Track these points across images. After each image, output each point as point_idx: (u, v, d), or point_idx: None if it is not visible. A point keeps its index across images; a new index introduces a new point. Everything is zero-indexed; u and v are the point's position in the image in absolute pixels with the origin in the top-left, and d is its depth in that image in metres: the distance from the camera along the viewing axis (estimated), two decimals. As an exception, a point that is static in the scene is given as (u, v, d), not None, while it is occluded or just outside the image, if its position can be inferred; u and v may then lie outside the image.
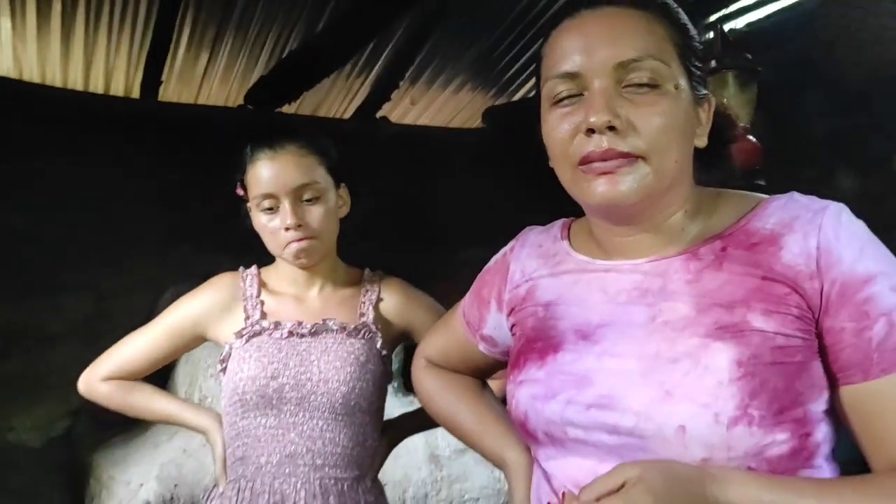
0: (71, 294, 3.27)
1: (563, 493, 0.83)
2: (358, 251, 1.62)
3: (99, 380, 1.54)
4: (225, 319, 1.50)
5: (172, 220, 3.51)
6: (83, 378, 1.56)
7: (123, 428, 2.94)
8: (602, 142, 0.83)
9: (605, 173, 0.84)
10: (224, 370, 1.48)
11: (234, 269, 1.64)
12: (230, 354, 1.46)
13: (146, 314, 3.16)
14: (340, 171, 1.52)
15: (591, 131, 0.84)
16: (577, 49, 0.87)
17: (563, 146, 0.88)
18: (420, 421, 1.57)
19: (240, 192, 1.52)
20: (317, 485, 1.41)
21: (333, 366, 1.43)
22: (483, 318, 1.12)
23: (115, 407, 1.56)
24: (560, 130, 0.88)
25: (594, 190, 0.85)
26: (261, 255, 1.63)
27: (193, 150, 3.50)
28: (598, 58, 0.85)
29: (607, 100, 0.84)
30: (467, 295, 1.19)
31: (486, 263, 1.17)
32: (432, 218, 3.96)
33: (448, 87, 4.44)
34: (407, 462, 1.67)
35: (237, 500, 1.42)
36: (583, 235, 1.00)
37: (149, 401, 1.56)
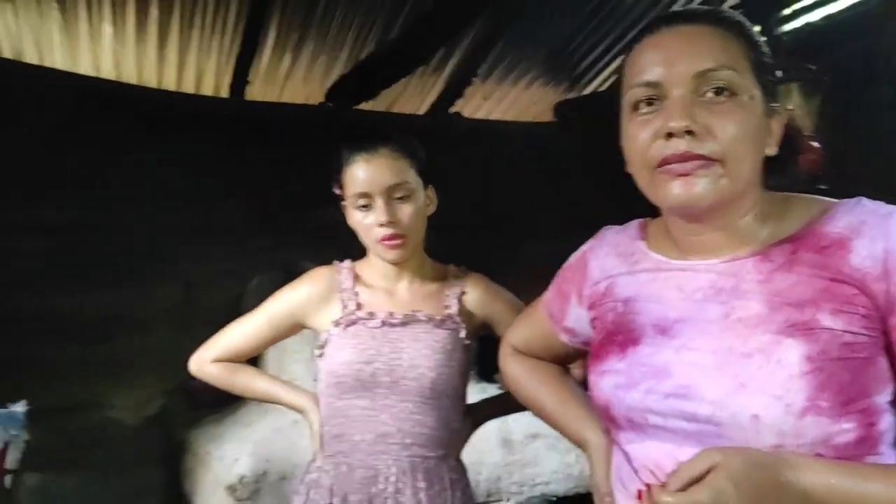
0: (162, 283, 3.50)
1: (647, 485, 0.89)
2: (431, 244, 1.72)
3: (208, 361, 1.68)
4: (322, 309, 1.63)
5: (255, 213, 3.70)
6: (194, 359, 1.70)
7: (215, 408, 3.15)
8: (680, 145, 0.91)
9: (682, 175, 0.91)
10: (322, 355, 1.61)
11: (312, 260, 1.77)
12: (328, 341, 1.59)
13: (230, 303, 3.38)
14: (428, 172, 1.63)
15: (670, 135, 0.91)
16: (658, 61, 0.95)
17: (642, 150, 0.95)
18: (500, 406, 1.69)
19: (336, 190, 1.64)
20: (406, 462, 1.53)
21: (422, 353, 1.54)
22: (564, 311, 1.21)
23: (222, 385, 1.71)
24: (640, 136, 0.95)
25: (671, 191, 0.93)
26: (337, 249, 1.76)
27: (276, 146, 3.69)
28: (677, 68, 0.93)
29: (686, 106, 0.91)
30: (549, 289, 1.27)
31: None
32: (503, 211, 4.06)
33: (520, 82, 4.51)
34: (481, 446, 1.77)
35: (335, 473, 1.55)
36: (659, 236, 1.08)
37: (252, 381, 1.71)
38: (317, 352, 1.63)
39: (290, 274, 3.12)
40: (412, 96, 4.43)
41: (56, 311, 3.26)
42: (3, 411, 2.43)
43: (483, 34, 3.94)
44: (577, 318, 1.18)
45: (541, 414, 1.27)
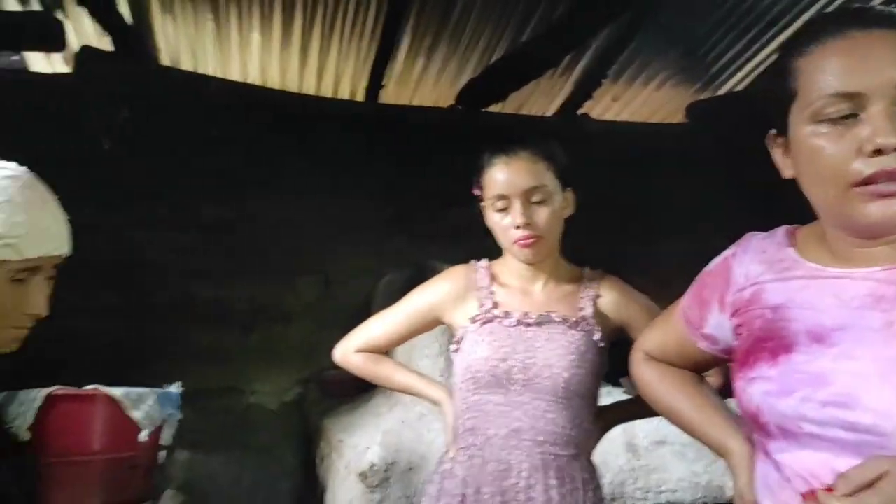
0: (303, 278, 3.70)
1: (812, 490, 0.89)
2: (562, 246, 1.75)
3: (352, 351, 1.78)
4: (459, 306, 1.69)
5: (389, 213, 3.84)
6: (339, 349, 1.81)
7: (347, 397, 3.30)
8: (891, 162, 0.87)
9: (885, 196, 0.88)
10: (458, 351, 1.68)
11: (442, 259, 1.83)
12: (464, 337, 1.66)
13: (365, 299, 3.53)
14: (568, 175, 1.67)
15: (877, 152, 0.87)
16: (854, 69, 0.89)
17: (835, 166, 0.91)
18: (631, 410, 1.70)
19: (476, 191, 1.70)
20: (538, 459, 1.57)
21: (556, 353, 1.58)
22: (704, 317, 1.19)
23: (363, 375, 1.81)
24: (831, 150, 0.91)
25: (868, 210, 0.89)
26: (467, 248, 1.81)
27: (409, 147, 3.81)
28: (881, 78, 0.88)
29: (892, 119, 0.87)
30: (686, 295, 1.26)
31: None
32: (633, 213, 4.01)
33: (651, 82, 4.44)
34: (605, 449, 1.77)
35: (468, 465, 1.61)
36: (810, 243, 1.05)
37: (392, 372, 1.80)
38: (452, 347, 1.70)
39: (420, 272, 3.24)
40: (541, 98, 4.45)
41: (211, 301, 3.51)
42: (161, 391, 2.64)
43: (614, 36, 3.91)
44: (718, 325, 1.17)
45: (677, 421, 1.26)
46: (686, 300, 1.25)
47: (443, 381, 2.10)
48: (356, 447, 2.77)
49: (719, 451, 1.16)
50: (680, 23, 3.95)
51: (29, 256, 1.14)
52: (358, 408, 3.14)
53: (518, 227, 1.60)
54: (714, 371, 1.56)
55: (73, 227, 1.23)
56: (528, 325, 1.62)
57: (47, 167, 1.23)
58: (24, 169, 1.19)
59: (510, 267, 1.70)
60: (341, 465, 2.84)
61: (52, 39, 3.24)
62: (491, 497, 1.57)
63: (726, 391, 1.58)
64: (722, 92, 4.51)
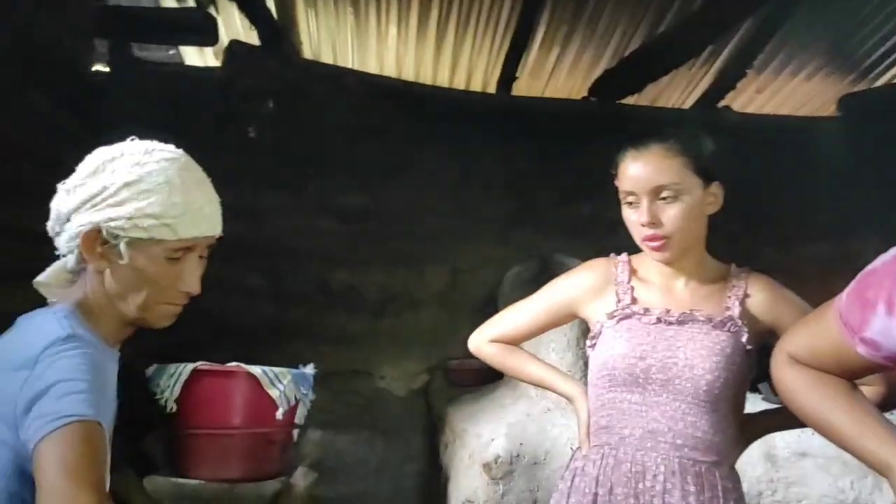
0: (432, 267, 3.74)
1: None
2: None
3: (486, 341, 1.78)
4: (597, 301, 1.65)
5: (518, 204, 3.83)
6: (473, 338, 1.80)
7: (471, 388, 3.32)
8: None
9: None
10: (593, 346, 1.64)
11: (568, 253, 1.79)
12: (601, 333, 1.62)
13: (491, 290, 3.54)
14: (712, 169, 1.59)
15: None
16: None
17: None
18: (781, 420, 1.59)
19: (617, 183, 1.66)
20: (676, 463, 1.51)
21: (699, 354, 1.52)
22: (866, 320, 1.10)
23: (496, 365, 1.80)
24: None
25: None
26: (593, 243, 1.76)
27: (540, 139, 3.78)
28: None
29: None
30: (846, 294, 1.16)
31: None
32: (777, 211, 3.81)
33: (799, 73, 4.20)
34: (742, 458, 1.69)
35: (601, 464, 1.57)
36: None
37: (524, 364, 1.78)
38: (588, 343, 1.67)
39: (545, 265, 3.19)
40: (678, 90, 4.30)
41: (345, 286, 3.63)
42: (296, 371, 2.74)
43: (759, 24, 3.71)
44: (884, 330, 1.08)
45: (830, 433, 1.17)
46: (843, 300, 1.16)
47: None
48: (480, 437, 2.78)
49: (881, 469, 1.07)
50: (830, 10, 3.69)
51: (184, 237, 1.19)
52: (482, 398, 3.15)
53: (644, 225, 1.55)
54: (875, 378, 1.45)
55: (223, 211, 1.28)
56: (670, 323, 1.56)
57: (201, 154, 1.29)
58: (181, 152, 1.25)
59: (650, 262, 1.64)
60: (465, 454, 2.86)
61: (206, 34, 3.44)
62: (624, 499, 1.53)
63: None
64: (879, 84, 4.20)
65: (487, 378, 3.24)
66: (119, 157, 1.19)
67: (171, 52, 4.02)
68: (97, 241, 1.17)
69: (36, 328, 1.14)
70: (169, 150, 1.23)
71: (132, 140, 1.23)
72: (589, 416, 1.64)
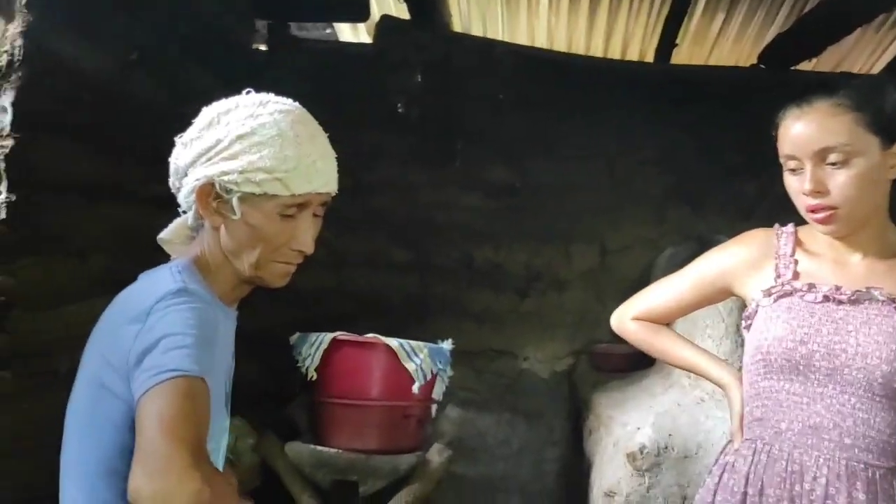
0: (579, 246, 3.58)
1: None
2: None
3: (630, 318, 1.64)
4: (754, 276, 1.47)
5: (674, 180, 3.58)
6: (616, 314, 1.68)
7: (619, 372, 3.15)
8: None
9: None
10: (748, 328, 1.46)
11: (731, 234, 1.60)
12: (756, 312, 1.43)
13: (642, 271, 3.33)
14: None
15: None
16: None
17: None
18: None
19: (778, 146, 1.46)
20: (842, 465, 1.32)
21: (875, 340, 1.30)
22: None
23: (640, 345, 1.66)
24: None
25: None
26: (759, 223, 1.55)
27: (702, 110, 3.50)
28: None
29: None
30: None
31: None
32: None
33: None
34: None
35: (753, 460, 1.40)
36: None
37: (672, 345, 1.62)
38: (743, 323, 1.48)
39: (703, 247, 2.94)
40: (863, 55, 3.85)
41: (490, 263, 3.55)
42: (433, 346, 2.71)
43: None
44: None
45: None
46: None
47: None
48: (626, 425, 2.62)
49: None
50: None
51: (297, 192, 1.15)
52: (630, 385, 2.98)
53: (806, 194, 1.34)
54: None
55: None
56: (840, 302, 1.35)
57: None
58: (296, 104, 1.21)
59: (821, 234, 1.43)
60: (609, 441, 2.71)
61: (358, 10, 3.46)
62: (777, 502, 1.35)
63: None
64: None
65: (636, 364, 3.06)
66: (234, 110, 1.16)
67: (328, 30, 4.10)
68: (211, 195, 1.15)
69: (152, 282, 1.14)
70: (283, 102, 1.19)
71: (248, 92, 1.20)
72: (743, 407, 1.46)
